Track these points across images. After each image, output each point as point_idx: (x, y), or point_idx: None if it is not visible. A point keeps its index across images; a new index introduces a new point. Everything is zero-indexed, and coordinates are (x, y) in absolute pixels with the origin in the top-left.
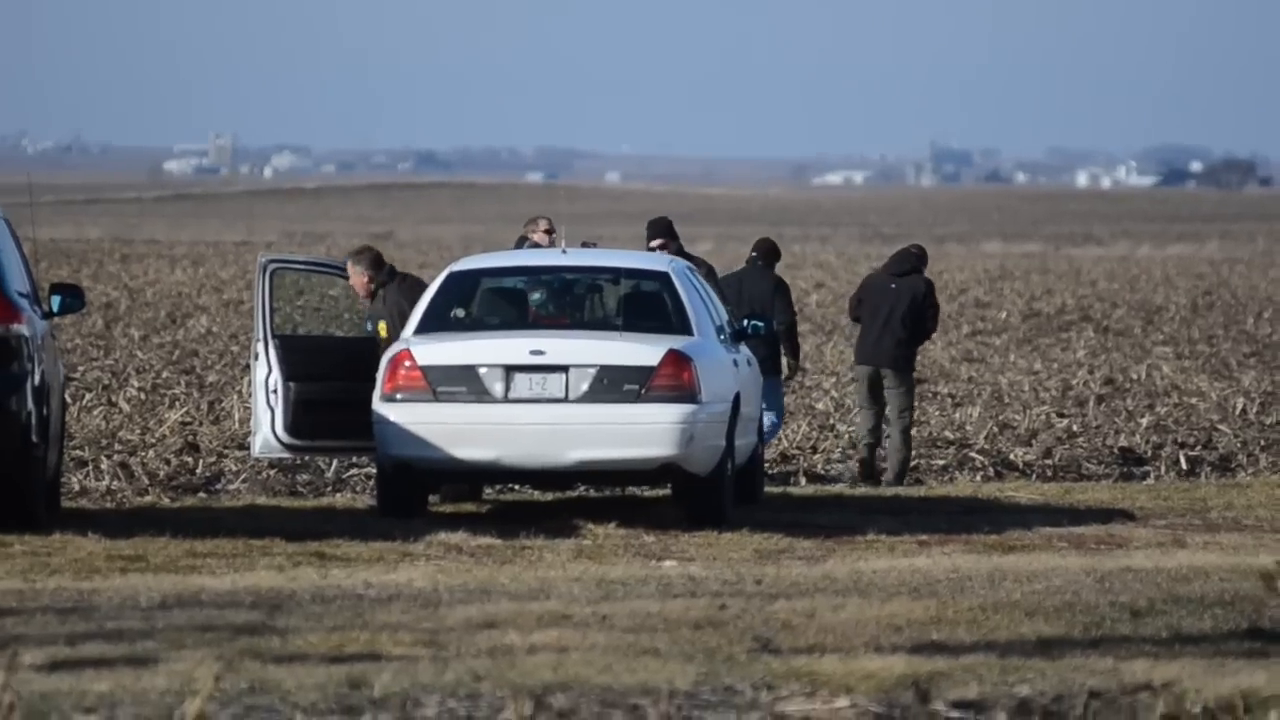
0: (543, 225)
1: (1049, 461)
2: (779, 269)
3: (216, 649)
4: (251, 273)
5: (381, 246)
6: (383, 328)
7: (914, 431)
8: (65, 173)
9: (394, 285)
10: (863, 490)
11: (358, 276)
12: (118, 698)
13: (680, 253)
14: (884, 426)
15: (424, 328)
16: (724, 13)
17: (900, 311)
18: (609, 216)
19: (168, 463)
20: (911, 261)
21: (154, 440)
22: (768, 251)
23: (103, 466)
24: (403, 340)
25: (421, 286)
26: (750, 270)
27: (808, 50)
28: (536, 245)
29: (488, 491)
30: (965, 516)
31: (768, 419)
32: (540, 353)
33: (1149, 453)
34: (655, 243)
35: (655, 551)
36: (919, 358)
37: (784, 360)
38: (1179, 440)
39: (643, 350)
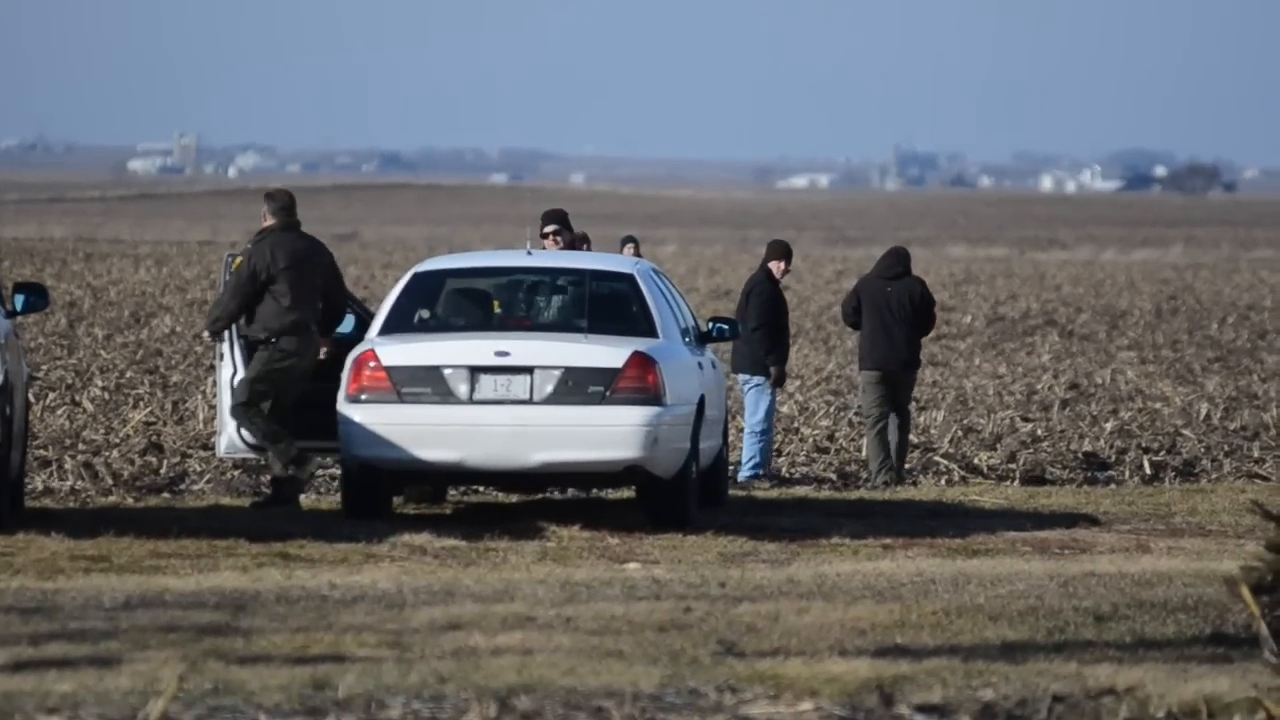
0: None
1: (1013, 466)
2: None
3: (180, 650)
4: (215, 273)
5: (346, 247)
6: (238, 263)
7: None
8: (29, 171)
9: (274, 236)
10: (826, 493)
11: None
12: (81, 698)
13: (572, 244)
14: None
15: (389, 328)
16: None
17: (902, 313)
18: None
19: (132, 463)
20: (903, 263)
21: (118, 440)
22: (770, 252)
23: (66, 466)
24: (367, 341)
25: (298, 246)
26: (756, 273)
27: (773, 52)
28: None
29: (452, 493)
30: (930, 520)
31: (755, 427)
32: (505, 354)
33: (1113, 457)
34: (549, 228)
35: (619, 554)
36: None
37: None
38: (1143, 445)
39: (607, 352)
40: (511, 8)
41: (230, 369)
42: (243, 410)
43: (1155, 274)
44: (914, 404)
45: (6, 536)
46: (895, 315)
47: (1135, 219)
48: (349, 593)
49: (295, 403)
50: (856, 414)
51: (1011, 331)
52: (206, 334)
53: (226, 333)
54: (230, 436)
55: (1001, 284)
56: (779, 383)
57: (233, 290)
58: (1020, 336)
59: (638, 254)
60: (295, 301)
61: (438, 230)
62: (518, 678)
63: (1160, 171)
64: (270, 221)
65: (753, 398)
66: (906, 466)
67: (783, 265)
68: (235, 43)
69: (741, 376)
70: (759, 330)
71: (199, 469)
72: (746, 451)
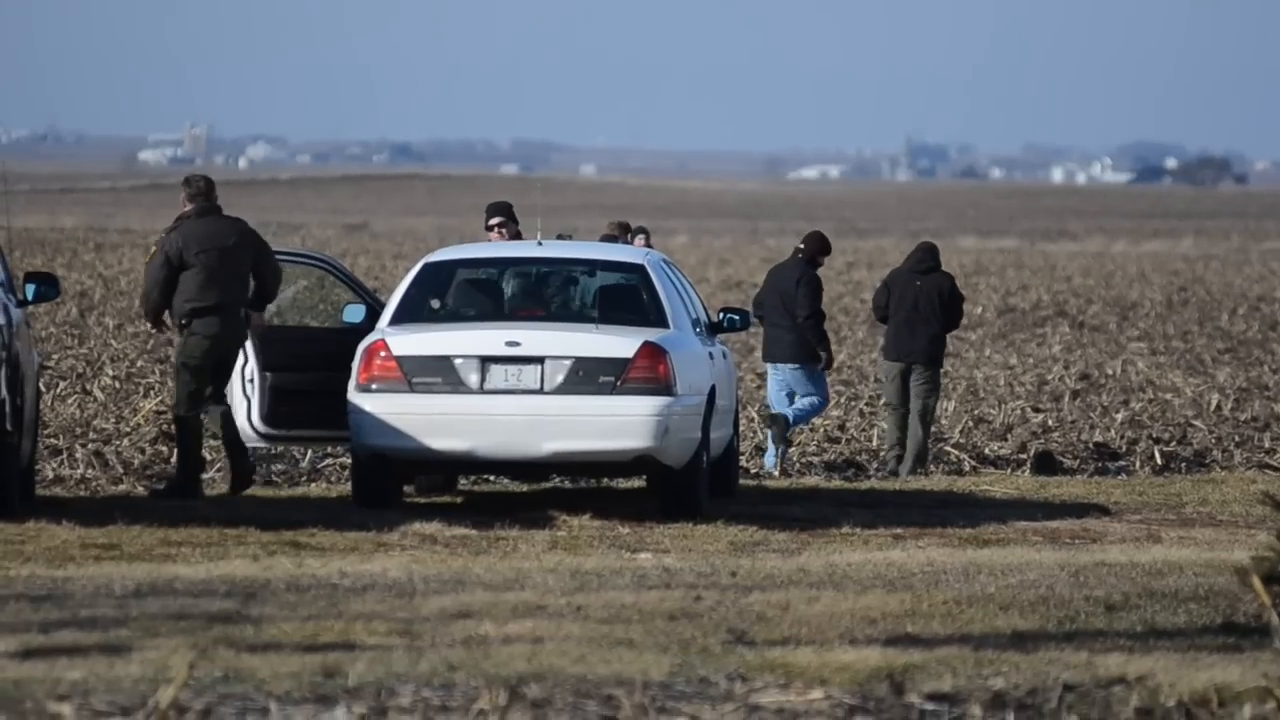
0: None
1: (1024, 456)
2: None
3: (191, 637)
4: None
5: (356, 238)
6: (151, 253)
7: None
8: (40, 162)
9: (187, 223)
10: (837, 483)
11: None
12: (91, 686)
13: (518, 236)
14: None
15: (399, 318)
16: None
17: (930, 307)
18: (584, 209)
19: (142, 451)
20: (933, 258)
21: (128, 429)
22: (809, 245)
23: (77, 455)
24: (378, 331)
25: (213, 229)
26: (789, 262)
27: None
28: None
29: (463, 482)
30: (940, 510)
31: (808, 401)
32: (516, 344)
33: (1124, 448)
34: (494, 220)
35: (630, 543)
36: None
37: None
38: (1154, 436)
39: (618, 342)
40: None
41: (242, 359)
42: (188, 402)
43: (1166, 265)
44: (940, 400)
45: (17, 525)
46: (922, 310)
47: (1146, 210)
48: (359, 581)
49: (304, 393)
50: (874, 397)
51: (1022, 322)
52: (149, 326)
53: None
54: (241, 425)
55: (1012, 275)
56: (829, 367)
57: (150, 280)
58: (1031, 327)
59: (649, 245)
60: (209, 285)
61: (448, 221)
62: (528, 666)
63: (1171, 163)
64: (187, 208)
65: (808, 381)
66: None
67: (824, 259)
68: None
69: (786, 366)
70: (811, 318)
71: (209, 458)
72: (800, 416)
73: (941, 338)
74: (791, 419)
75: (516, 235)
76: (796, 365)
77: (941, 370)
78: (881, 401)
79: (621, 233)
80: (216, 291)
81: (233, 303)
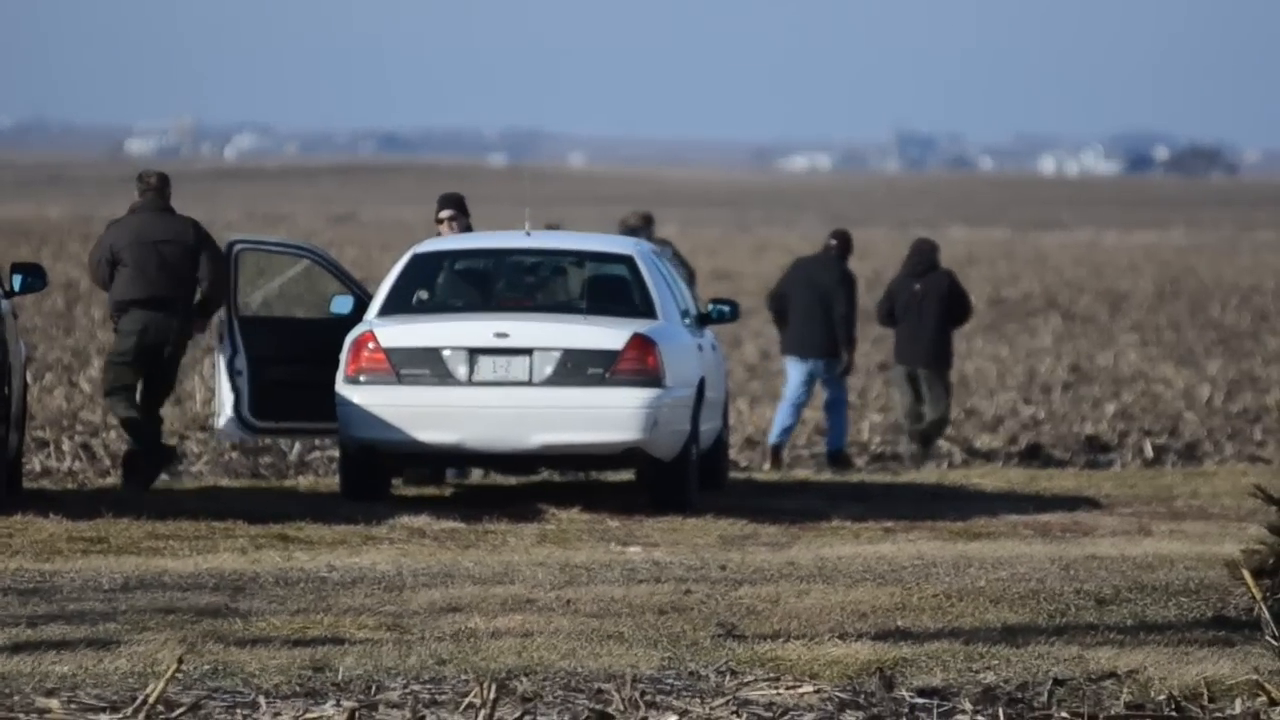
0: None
1: (1015, 448)
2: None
3: (179, 631)
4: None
5: (344, 228)
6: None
7: (894, 418)
8: (25, 151)
9: (130, 216)
10: (827, 476)
11: None
12: (79, 680)
13: (468, 229)
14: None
15: (388, 310)
16: None
17: (930, 310)
18: (574, 199)
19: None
20: (928, 258)
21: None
22: (844, 241)
23: (64, 447)
24: (366, 322)
25: (154, 225)
26: (824, 256)
27: (772, 32)
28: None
29: (450, 474)
30: (930, 503)
31: (838, 412)
32: (504, 335)
33: (1115, 440)
34: (444, 213)
35: (619, 536)
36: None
37: (842, 351)
38: (1145, 428)
39: (607, 334)
40: None
41: (229, 350)
42: (106, 396)
43: (1157, 256)
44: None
45: (4, 518)
46: (924, 313)
47: (1136, 200)
48: (348, 575)
49: (292, 385)
50: (862, 390)
51: (1013, 313)
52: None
53: (224, 312)
54: (229, 418)
55: (1003, 266)
56: (849, 371)
57: (90, 270)
58: (1022, 318)
59: (469, 227)
60: (136, 281)
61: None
62: (517, 660)
63: (1162, 153)
64: (136, 201)
65: (835, 379)
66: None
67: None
68: (233, 22)
69: (819, 361)
70: (849, 319)
71: (197, 450)
72: (837, 425)
73: (946, 338)
74: (839, 441)
75: (467, 228)
76: (829, 360)
77: (950, 370)
78: (895, 409)
79: (644, 224)
80: (143, 287)
81: (163, 299)
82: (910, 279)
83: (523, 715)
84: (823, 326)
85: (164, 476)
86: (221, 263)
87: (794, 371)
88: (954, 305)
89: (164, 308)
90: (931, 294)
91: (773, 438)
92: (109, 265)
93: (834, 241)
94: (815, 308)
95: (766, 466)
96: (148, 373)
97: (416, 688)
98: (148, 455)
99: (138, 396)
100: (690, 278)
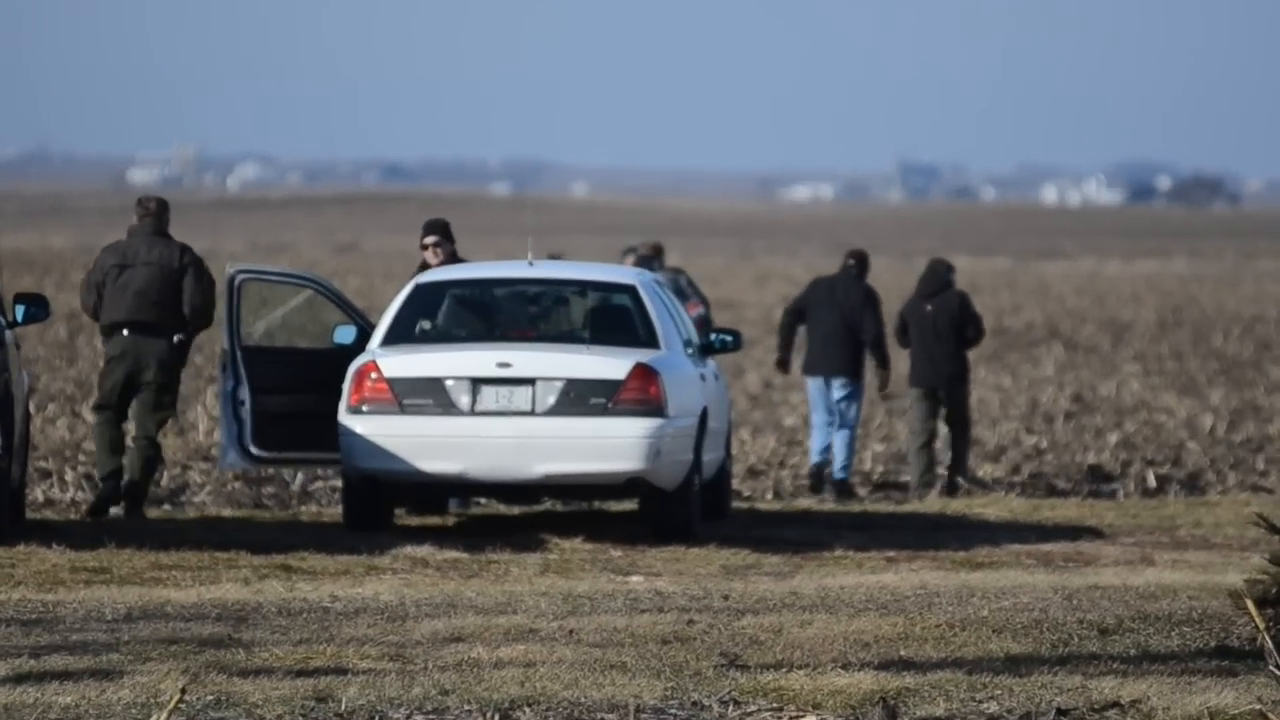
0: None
1: (1017, 478)
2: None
3: (182, 662)
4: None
5: (347, 258)
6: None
7: (896, 447)
8: (29, 181)
9: (122, 240)
10: (830, 506)
11: None
12: (83, 711)
13: (453, 256)
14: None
15: (390, 340)
16: (692, 25)
17: (943, 331)
18: (577, 229)
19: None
20: (940, 278)
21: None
22: (862, 260)
23: (67, 478)
24: (369, 352)
25: (141, 249)
26: (845, 277)
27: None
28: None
29: (453, 505)
30: (933, 533)
31: (847, 443)
32: (507, 365)
33: (1117, 470)
34: (429, 239)
35: (622, 566)
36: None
37: (878, 371)
38: (1147, 457)
39: (610, 364)
40: (513, 17)
41: (232, 380)
42: (94, 411)
43: (1159, 285)
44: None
45: (7, 548)
46: (937, 333)
47: (1139, 230)
48: (351, 605)
49: (295, 415)
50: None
51: (1015, 343)
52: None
53: (227, 342)
54: (232, 448)
55: (1005, 295)
56: (886, 385)
57: (81, 294)
58: (1024, 348)
59: (455, 255)
60: (116, 303)
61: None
62: (520, 690)
63: (1164, 183)
64: (133, 225)
65: (853, 399)
66: (958, 478)
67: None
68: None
69: (841, 381)
70: (880, 339)
71: (200, 480)
72: (843, 451)
73: (962, 357)
74: (843, 471)
75: (452, 254)
76: (851, 380)
77: (968, 388)
78: (907, 431)
79: (655, 254)
80: (124, 309)
81: (145, 323)
82: (921, 300)
83: None
84: (844, 346)
85: (166, 507)
86: (206, 286)
87: (814, 391)
88: (965, 326)
89: (146, 330)
90: (943, 314)
91: (814, 458)
92: (97, 289)
93: (852, 261)
94: (838, 327)
95: (815, 491)
96: (134, 394)
97: (420, 718)
98: (144, 482)
99: (130, 421)
100: (706, 305)
